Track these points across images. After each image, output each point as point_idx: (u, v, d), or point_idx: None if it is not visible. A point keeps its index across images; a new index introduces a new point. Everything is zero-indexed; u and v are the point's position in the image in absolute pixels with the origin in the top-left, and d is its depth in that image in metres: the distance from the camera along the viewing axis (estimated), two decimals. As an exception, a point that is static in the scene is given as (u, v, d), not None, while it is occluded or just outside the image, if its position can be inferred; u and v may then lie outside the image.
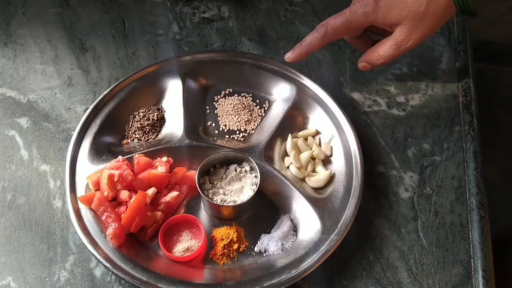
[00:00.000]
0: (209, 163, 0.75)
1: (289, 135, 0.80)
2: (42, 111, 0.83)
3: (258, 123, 0.83)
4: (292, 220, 0.74)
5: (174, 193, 0.74)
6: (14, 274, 0.70)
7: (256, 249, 0.72)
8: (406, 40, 0.73)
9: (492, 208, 0.77)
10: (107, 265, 0.68)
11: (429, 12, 0.70)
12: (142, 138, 0.81)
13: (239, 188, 0.74)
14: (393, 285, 0.71)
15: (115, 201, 0.73)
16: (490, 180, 0.82)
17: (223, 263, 0.71)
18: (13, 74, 0.87)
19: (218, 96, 0.85)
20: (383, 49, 0.75)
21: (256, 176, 0.74)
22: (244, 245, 0.73)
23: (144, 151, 0.77)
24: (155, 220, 0.72)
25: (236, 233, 0.72)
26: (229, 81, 0.86)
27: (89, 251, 0.69)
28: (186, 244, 0.71)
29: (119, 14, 0.93)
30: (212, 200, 0.72)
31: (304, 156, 0.78)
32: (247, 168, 0.75)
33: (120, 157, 0.75)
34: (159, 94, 0.84)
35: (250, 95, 0.85)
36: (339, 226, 0.71)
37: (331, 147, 0.80)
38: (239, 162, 0.76)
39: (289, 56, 0.79)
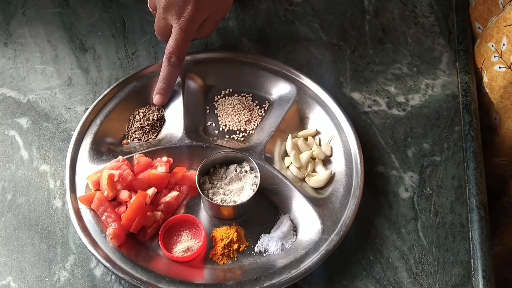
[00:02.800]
0: (209, 163, 0.75)
1: (289, 135, 0.80)
2: (42, 111, 0.83)
3: (258, 123, 0.83)
4: (292, 220, 0.74)
5: (174, 193, 0.74)
6: (14, 274, 0.70)
7: (256, 249, 0.72)
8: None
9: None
10: (107, 265, 0.68)
11: None
12: (142, 138, 0.81)
13: (239, 188, 0.74)
14: (393, 285, 0.71)
15: (115, 201, 0.73)
16: (490, 180, 0.82)
17: (223, 263, 0.71)
18: (13, 74, 0.87)
19: (218, 96, 0.85)
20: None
21: (256, 176, 0.74)
22: (244, 245, 0.73)
23: (144, 151, 0.77)
24: (155, 220, 0.72)
25: (236, 233, 0.72)
26: (229, 81, 0.86)
27: (89, 251, 0.69)
28: (186, 244, 0.71)
29: (119, 14, 0.93)
30: (212, 200, 0.72)
31: (304, 156, 0.78)
32: (247, 168, 0.75)
33: (120, 157, 0.75)
34: (159, 94, 0.84)
35: (250, 95, 0.85)
36: (339, 226, 0.71)
37: (331, 147, 0.80)
38: (239, 162, 0.76)
39: (161, 100, 0.82)
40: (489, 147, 0.87)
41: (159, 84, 0.81)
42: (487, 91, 0.84)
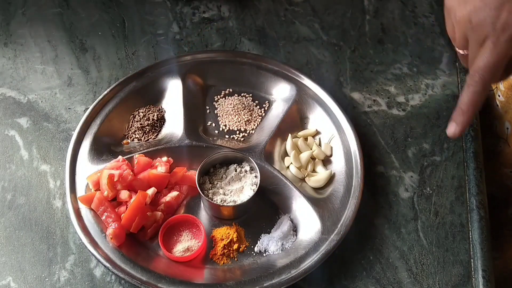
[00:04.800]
0: (209, 163, 0.75)
1: (289, 135, 0.80)
2: (42, 111, 0.83)
3: (258, 123, 0.83)
4: (292, 220, 0.74)
5: (174, 193, 0.74)
6: (14, 274, 0.70)
7: (256, 249, 0.72)
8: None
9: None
10: (107, 265, 0.68)
11: None
12: (142, 138, 0.81)
13: (239, 188, 0.74)
14: (393, 285, 0.71)
15: (115, 201, 0.73)
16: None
17: (223, 263, 0.71)
18: (13, 74, 0.87)
19: (218, 96, 0.85)
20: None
21: (256, 176, 0.74)
22: (244, 245, 0.73)
23: (144, 151, 0.77)
24: (155, 220, 0.72)
25: (236, 233, 0.72)
26: (229, 81, 0.86)
27: (89, 251, 0.69)
28: (186, 244, 0.71)
29: (119, 14, 0.93)
30: (212, 200, 0.72)
31: (304, 156, 0.78)
32: (247, 168, 0.75)
33: (120, 157, 0.75)
34: (159, 94, 0.84)
35: (250, 95, 0.85)
36: (339, 226, 0.71)
37: (331, 147, 0.80)
38: (239, 162, 0.76)
39: (453, 130, 0.62)
40: (499, 157, 0.86)
41: (458, 110, 0.62)
42: (503, 99, 0.83)
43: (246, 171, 0.75)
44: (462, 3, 0.60)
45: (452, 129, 0.62)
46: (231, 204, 0.72)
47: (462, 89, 0.61)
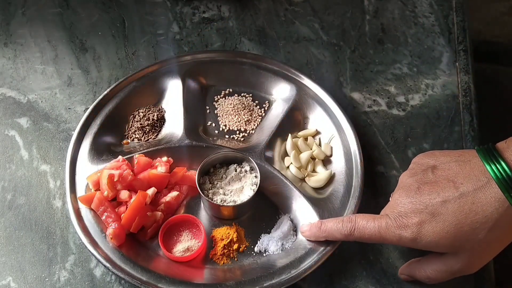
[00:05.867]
0: (209, 163, 0.75)
1: (289, 135, 0.80)
2: (42, 111, 0.83)
3: (258, 123, 0.83)
4: (292, 220, 0.74)
5: (174, 193, 0.74)
6: (14, 274, 0.70)
7: (256, 249, 0.72)
8: (465, 269, 0.62)
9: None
10: (107, 265, 0.68)
11: (491, 239, 0.58)
12: (142, 138, 0.81)
13: (239, 188, 0.74)
14: (393, 285, 0.71)
15: (115, 201, 0.73)
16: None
17: (223, 263, 0.71)
18: (13, 74, 0.87)
19: (218, 96, 0.85)
20: (434, 272, 0.63)
21: (256, 176, 0.74)
22: (244, 245, 0.73)
23: (144, 151, 0.77)
24: (155, 220, 0.72)
25: (236, 233, 0.72)
26: (229, 81, 0.86)
27: (89, 251, 0.69)
28: (186, 244, 0.71)
29: (119, 14, 0.93)
30: (212, 200, 0.72)
31: (304, 156, 0.78)
32: (247, 168, 0.75)
33: (120, 157, 0.75)
34: (159, 94, 0.84)
35: (250, 95, 0.85)
36: (339, 226, 0.71)
37: (331, 147, 0.80)
38: (239, 162, 0.76)
39: (304, 231, 0.70)
40: None
41: (319, 223, 0.69)
42: None
43: (246, 171, 0.75)
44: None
45: (305, 228, 0.71)
46: (231, 204, 0.72)
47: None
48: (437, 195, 0.60)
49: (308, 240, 0.71)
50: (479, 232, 0.57)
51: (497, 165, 0.57)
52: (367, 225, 0.63)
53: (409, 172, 0.66)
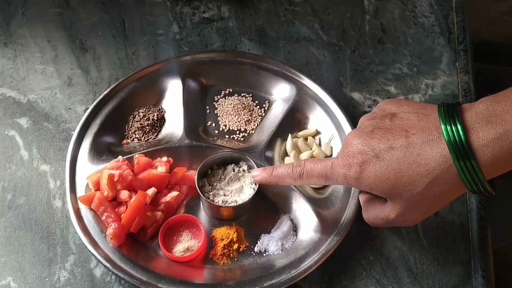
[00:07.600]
0: (207, 165, 0.75)
1: (289, 135, 0.80)
2: (42, 111, 0.83)
3: (258, 123, 0.83)
4: (292, 220, 0.74)
5: (174, 193, 0.74)
6: (14, 274, 0.70)
7: (256, 249, 0.72)
8: (398, 220, 0.62)
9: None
10: (107, 265, 0.68)
11: (429, 194, 0.58)
12: (142, 138, 0.81)
13: (239, 187, 0.74)
14: (393, 285, 0.71)
15: (115, 201, 0.73)
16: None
17: (223, 263, 0.71)
18: (13, 74, 0.87)
19: (218, 96, 0.85)
20: (373, 216, 0.65)
21: (255, 176, 0.74)
22: (244, 245, 0.73)
23: (144, 151, 0.77)
24: (155, 220, 0.72)
25: (236, 233, 0.72)
26: (229, 81, 0.86)
27: (89, 251, 0.69)
28: (186, 244, 0.71)
29: (119, 14, 0.93)
30: (213, 202, 0.72)
31: (304, 156, 0.78)
32: (245, 167, 0.75)
33: (120, 157, 0.75)
34: (159, 94, 0.84)
35: (250, 95, 0.85)
36: (339, 226, 0.71)
37: (331, 147, 0.80)
38: (236, 161, 0.76)
39: (256, 175, 0.70)
40: None
41: (270, 169, 0.70)
42: None
43: (244, 171, 0.75)
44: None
45: (257, 172, 0.70)
46: (232, 204, 0.72)
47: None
48: (386, 141, 0.60)
49: (260, 184, 0.71)
50: (418, 184, 0.57)
51: (453, 127, 0.56)
52: (314, 167, 0.64)
53: (369, 115, 0.65)
